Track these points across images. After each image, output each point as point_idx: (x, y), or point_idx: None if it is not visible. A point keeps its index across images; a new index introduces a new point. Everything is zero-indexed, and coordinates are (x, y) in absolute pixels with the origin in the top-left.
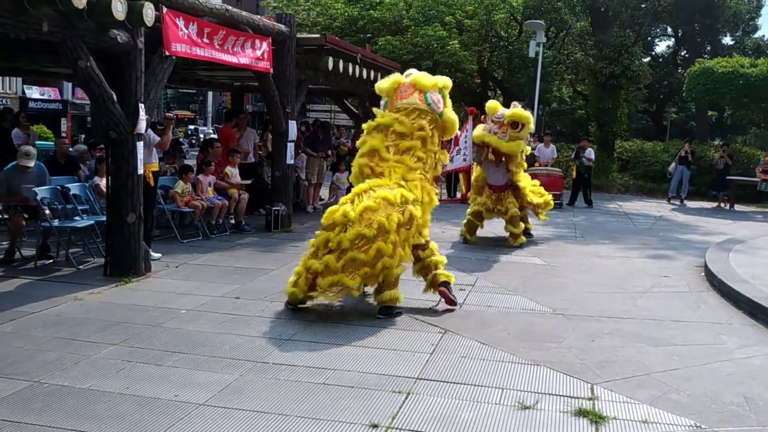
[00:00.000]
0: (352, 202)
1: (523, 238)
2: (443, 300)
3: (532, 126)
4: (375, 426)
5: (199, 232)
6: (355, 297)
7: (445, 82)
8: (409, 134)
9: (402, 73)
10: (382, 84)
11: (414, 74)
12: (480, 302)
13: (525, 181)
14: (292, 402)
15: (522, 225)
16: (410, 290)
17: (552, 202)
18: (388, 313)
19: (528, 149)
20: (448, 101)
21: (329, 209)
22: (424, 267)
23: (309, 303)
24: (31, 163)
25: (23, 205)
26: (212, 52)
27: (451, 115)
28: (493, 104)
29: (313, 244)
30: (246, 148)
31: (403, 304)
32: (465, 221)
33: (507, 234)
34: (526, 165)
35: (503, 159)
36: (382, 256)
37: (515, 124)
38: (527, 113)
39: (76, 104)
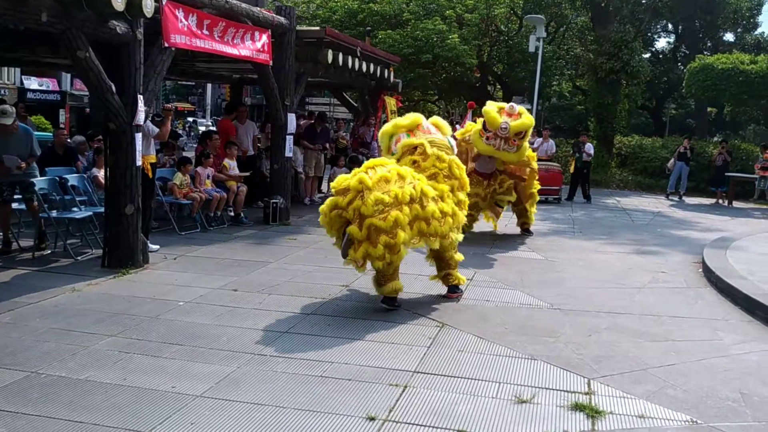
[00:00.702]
0: (366, 173)
1: (514, 197)
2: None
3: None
4: (372, 419)
5: (198, 224)
6: (362, 272)
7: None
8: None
9: (401, 66)
10: (402, 121)
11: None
12: (478, 296)
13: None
14: (289, 394)
15: (515, 194)
16: (409, 283)
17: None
18: (391, 303)
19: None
20: None
21: (339, 176)
22: (439, 257)
23: None
24: (9, 120)
25: (10, 184)
26: (212, 43)
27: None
28: (491, 116)
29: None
30: (245, 142)
31: (401, 298)
32: None
33: (501, 209)
34: None
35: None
36: (398, 226)
37: (521, 132)
38: (529, 118)
39: (75, 95)
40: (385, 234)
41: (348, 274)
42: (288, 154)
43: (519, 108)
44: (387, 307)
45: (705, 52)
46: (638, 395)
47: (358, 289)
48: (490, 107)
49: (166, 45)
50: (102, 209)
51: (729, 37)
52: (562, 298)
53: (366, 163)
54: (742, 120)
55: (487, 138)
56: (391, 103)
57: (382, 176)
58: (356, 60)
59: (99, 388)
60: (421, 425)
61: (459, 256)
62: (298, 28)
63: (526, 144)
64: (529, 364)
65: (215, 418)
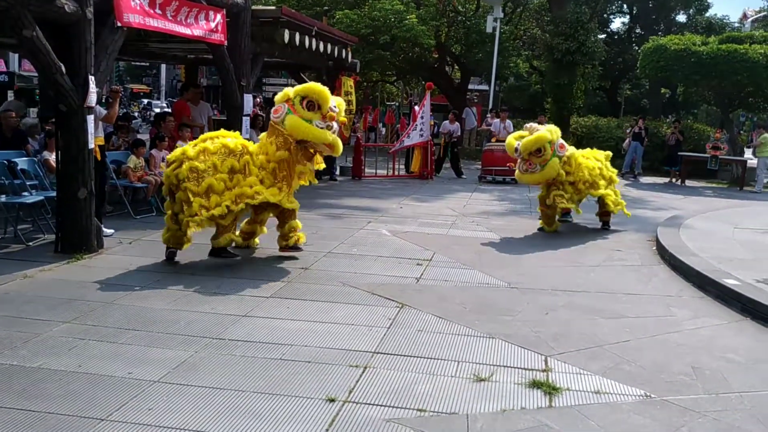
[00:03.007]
0: (196, 145)
1: (557, 224)
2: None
3: (555, 136)
4: (332, 400)
5: (153, 207)
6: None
7: (305, 89)
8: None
9: (359, 46)
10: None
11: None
12: (437, 277)
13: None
14: (248, 378)
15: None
16: (368, 265)
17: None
18: (218, 254)
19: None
20: (304, 107)
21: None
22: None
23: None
24: None
25: None
26: (165, 23)
27: (290, 120)
28: (508, 144)
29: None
30: (200, 123)
31: (360, 280)
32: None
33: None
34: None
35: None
36: (212, 191)
37: (537, 150)
38: (541, 132)
39: (24, 76)
40: (199, 197)
41: (307, 256)
42: (245, 135)
43: (539, 127)
44: (212, 257)
45: (659, 33)
46: (594, 371)
47: (317, 271)
48: (510, 138)
49: (119, 24)
50: (54, 193)
51: (681, 18)
52: (520, 277)
53: (202, 136)
54: (695, 101)
55: (519, 168)
56: (347, 83)
57: (204, 147)
58: (313, 40)
59: (53, 375)
60: (381, 405)
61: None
62: (254, 7)
63: (555, 162)
64: (487, 342)
65: (173, 403)
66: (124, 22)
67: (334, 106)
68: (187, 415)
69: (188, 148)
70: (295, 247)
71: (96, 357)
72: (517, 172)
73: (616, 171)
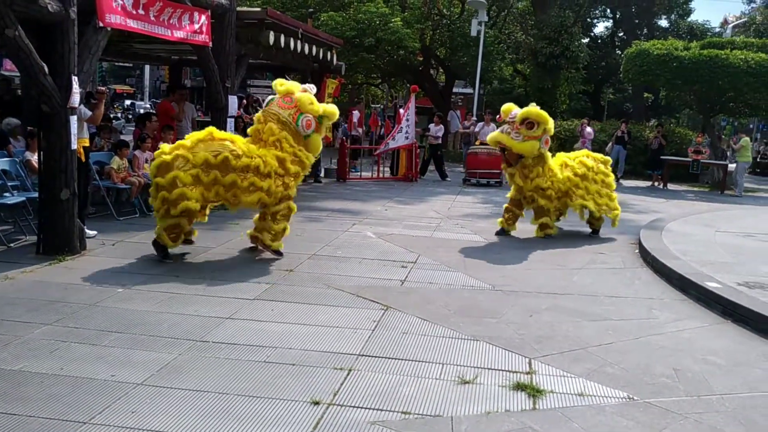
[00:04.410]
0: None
1: (553, 230)
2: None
3: (550, 127)
4: (316, 403)
5: (136, 209)
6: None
7: (332, 112)
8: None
9: (344, 49)
10: (279, 85)
11: (305, 92)
12: (422, 279)
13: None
14: (232, 380)
15: (546, 218)
16: (351, 267)
17: (617, 211)
18: (160, 251)
19: (548, 155)
20: (324, 127)
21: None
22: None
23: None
24: None
25: None
26: (147, 24)
27: (315, 140)
28: (507, 106)
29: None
30: (183, 124)
31: (345, 282)
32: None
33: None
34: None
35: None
36: (177, 184)
37: (530, 123)
38: (542, 112)
39: (5, 76)
40: (165, 190)
41: (292, 258)
42: None
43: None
44: (156, 254)
45: (641, 38)
46: (578, 374)
47: (302, 273)
48: (511, 105)
49: (101, 25)
50: (36, 194)
51: (664, 23)
52: (504, 279)
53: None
54: (677, 105)
55: (501, 130)
56: (330, 85)
57: (180, 144)
58: (298, 42)
59: (34, 378)
60: (366, 408)
61: (279, 227)
62: (239, 8)
63: (536, 144)
64: (471, 345)
65: (157, 406)
66: (106, 22)
67: None
68: (170, 417)
69: (164, 145)
70: (275, 251)
71: (78, 359)
72: (494, 133)
73: (612, 176)
